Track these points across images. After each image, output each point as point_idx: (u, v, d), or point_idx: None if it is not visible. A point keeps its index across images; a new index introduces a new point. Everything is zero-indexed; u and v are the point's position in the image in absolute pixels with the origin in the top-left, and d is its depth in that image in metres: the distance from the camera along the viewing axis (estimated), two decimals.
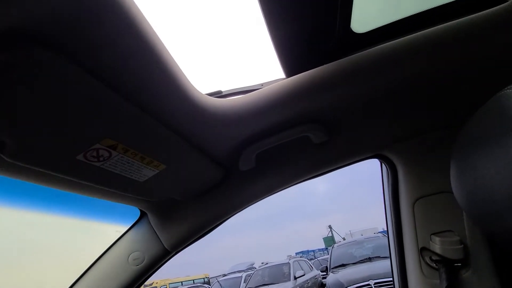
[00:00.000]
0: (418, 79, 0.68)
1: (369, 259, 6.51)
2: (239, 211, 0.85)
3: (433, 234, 0.75)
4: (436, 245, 0.73)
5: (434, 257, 0.74)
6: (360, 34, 0.62)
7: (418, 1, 0.63)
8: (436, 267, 0.74)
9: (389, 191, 0.88)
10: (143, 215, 0.85)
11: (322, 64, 0.63)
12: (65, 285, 0.82)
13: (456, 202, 0.52)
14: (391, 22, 0.63)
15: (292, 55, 0.63)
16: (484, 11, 0.62)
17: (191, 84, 0.52)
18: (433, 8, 0.62)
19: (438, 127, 0.81)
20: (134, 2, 0.37)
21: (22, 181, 0.51)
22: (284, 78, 0.65)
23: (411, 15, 0.62)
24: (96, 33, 0.35)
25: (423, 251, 0.77)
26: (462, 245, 0.71)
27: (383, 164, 0.92)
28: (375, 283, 5.38)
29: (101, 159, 0.47)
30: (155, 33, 0.41)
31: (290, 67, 0.64)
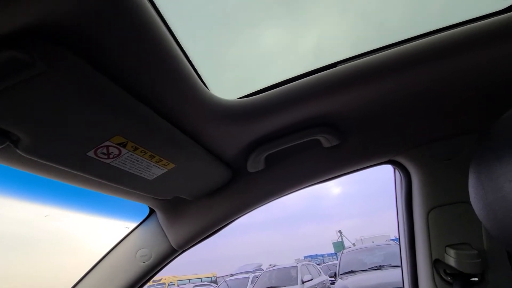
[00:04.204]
0: (437, 84, 0.65)
1: (380, 267, 6.33)
2: (247, 213, 0.84)
3: (448, 246, 0.72)
4: (451, 257, 0.69)
5: (448, 270, 0.71)
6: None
7: None
8: (450, 281, 0.71)
9: (402, 199, 0.85)
10: (151, 212, 0.86)
11: None
12: (77, 276, 0.84)
13: (474, 213, 0.49)
14: None
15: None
16: (504, 15, 0.59)
17: (202, 85, 0.52)
18: None
19: (457, 133, 0.77)
20: (146, 5, 0.37)
21: (34, 175, 0.52)
22: (295, 79, 0.64)
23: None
24: (109, 35, 0.35)
25: (436, 263, 0.73)
26: (480, 259, 0.67)
27: (396, 171, 0.88)
28: None
29: (111, 156, 0.48)
30: (166, 33, 0.41)
31: None
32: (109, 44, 0.36)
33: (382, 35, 0.69)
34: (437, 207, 0.75)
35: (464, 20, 0.64)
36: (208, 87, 0.61)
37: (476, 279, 0.68)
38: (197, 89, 0.50)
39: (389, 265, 6.27)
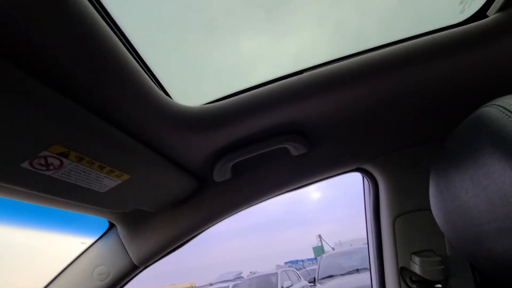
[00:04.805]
0: (401, 93, 0.66)
1: (357, 271, 6.45)
2: (214, 224, 0.81)
3: (414, 253, 0.73)
4: (416, 265, 0.70)
5: (414, 278, 0.71)
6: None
7: None
8: None
9: (370, 206, 0.85)
10: (111, 226, 0.80)
11: None
12: None
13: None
14: None
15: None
16: (462, 27, 0.61)
17: (157, 90, 0.48)
18: None
19: (420, 141, 0.79)
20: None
21: None
22: (261, 86, 0.62)
23: None
24: (38, 28, 0.31)
25: (403, 271, 0.74)
26: (443, 266, 0.68)
27: (364, 178, 0.89)
28: None
29: (51, 167, 0.43)
30: (110, 31, 0.38)
31: None
32: (38, 39, 0.32)
33: (353, 44, 0.70)
34: (402, 215, 0.76)
35: (427, 31, 0.66)
36: (169, 93, 0.58)
37: (440, 285, 0.69)
38: (151, 94, 0.47)
39: (366, 269, 6.41)
